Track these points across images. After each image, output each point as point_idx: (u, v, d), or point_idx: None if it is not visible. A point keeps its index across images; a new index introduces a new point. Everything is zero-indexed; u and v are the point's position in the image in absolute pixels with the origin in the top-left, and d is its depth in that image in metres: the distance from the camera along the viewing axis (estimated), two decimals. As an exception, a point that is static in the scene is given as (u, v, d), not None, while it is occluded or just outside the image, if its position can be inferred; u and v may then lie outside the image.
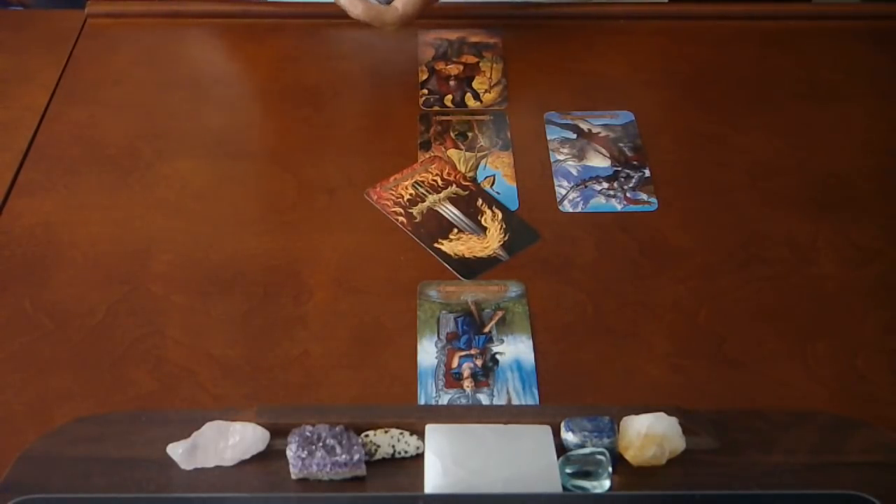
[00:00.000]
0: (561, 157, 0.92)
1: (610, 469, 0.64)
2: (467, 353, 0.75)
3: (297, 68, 1.02)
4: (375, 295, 0.79)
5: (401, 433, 0.66)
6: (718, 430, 0.67)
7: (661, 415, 0.65)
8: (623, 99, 0.98)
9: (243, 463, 0.66)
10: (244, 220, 0.86)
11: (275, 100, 0.99)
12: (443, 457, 0.64)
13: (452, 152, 0.92)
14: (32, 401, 0.72)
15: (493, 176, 0.90)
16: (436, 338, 0.76)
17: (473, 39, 1.05)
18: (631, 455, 0.65)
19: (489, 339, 0.76)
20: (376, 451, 0.66)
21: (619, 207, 0.87)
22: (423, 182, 0.89)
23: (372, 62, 1.02)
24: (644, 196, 0.87)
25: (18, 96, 0.98)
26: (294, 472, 0.64)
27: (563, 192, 0.88)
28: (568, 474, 0.64)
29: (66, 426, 0.68)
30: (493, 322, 0.77)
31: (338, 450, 0.64)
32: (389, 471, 0.66)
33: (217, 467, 0.65)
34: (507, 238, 0.84)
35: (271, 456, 0.66)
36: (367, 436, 0.66)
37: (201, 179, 0.89)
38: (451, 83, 1.00)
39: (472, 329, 0.77)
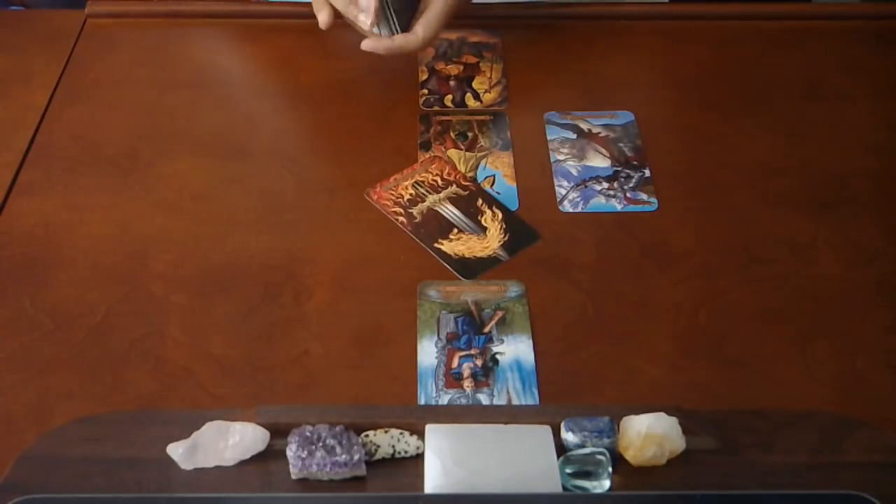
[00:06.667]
0: (561, 157, 0.92)
1: (610, 469, 0.64)
2: (467, 353, 0.75)
3: (297, 68, 1.02)
4: (375, 295, 0.79)
5: (401, 433, 0.66)
6: (718, 430, 0.67)
7: (661, 415, 0.65)
8: (623, 99, 0.98)
9: (243, 463, 0.66)
10: (244, 220, 0.85)
11: (274, 100, 0.99)
12: (443, 457, 0.64)
13: (452, 152, 0.92)
14: (32, 401, 0.72)
15: (493, 176, 0.90)
16: (436, 338, 0.76)
17: (473, 39, 1.05)
18: (631, 455, 0.65)
19: (489, 339, 0.76)
20: (376, 451, 0.66)
21: (619, 207, 0.87)
22: (423, 182, 0.89)
23: (372, 62, 1.02)
24: (644, 196, 0.87)
25: (18, 96, 0.98)
26: (294, 472, 0.64)
27: (563, 192, 0.88)
28: (568, 474, 0.64)
29: (66, 426, 0.68)
30: (493, 322, 0.77)
31: (338, 450, 0.64)
32: (389, 471, 0.66)
33: (217, 467, 0.65)
34: (507, 238, 0.84)
35: (271, 456, 0.66)
36: (367, 436, 0.66)
37: (201, 179, 0.89)
38: (451, 83, 1.00)
39: (472, 329, 0.77)
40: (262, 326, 0.77)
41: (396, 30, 0.91)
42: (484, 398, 0.72)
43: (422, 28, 0.91)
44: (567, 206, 0.87)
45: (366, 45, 0.90)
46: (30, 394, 0.72)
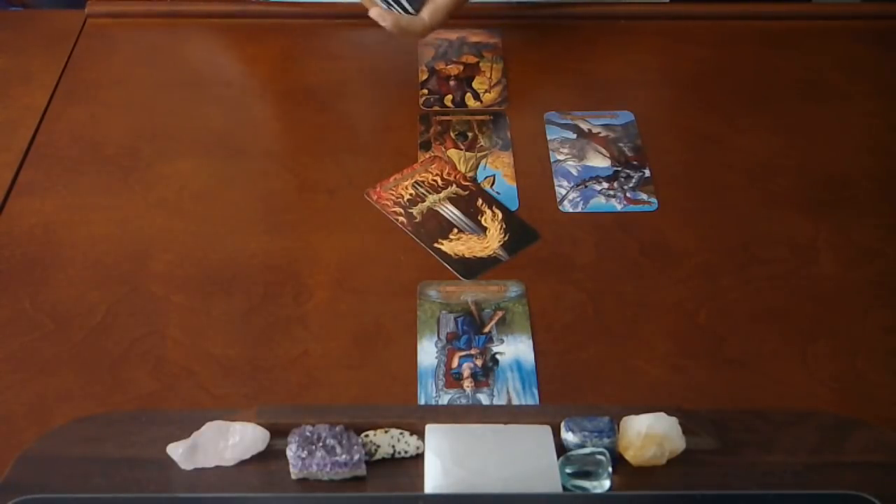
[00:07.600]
0: (561, 157, 0.92)
1: (610, 469, 0.64)
2: (467, 353, 0.75)
3: (297, 68, 1.02)
4: (375, 295, 0.79)
5: (401, 433, 0.66)
6: (718, 430, 0.67)
7: (661, 415, 0.65)
8: (623, 99, 0.98)
9: (243, 463, 0.66)
10: (244, 220, 0.86)
11: (275, 100, 0.99)
12: (443, 457, 0.64)
13: (452, 152, 0.92)
14: (32, 401, 0.72)
15: (493, 176, 0.90)
16: (436, 338, 0.76)
17: (473, 39, 1.05)
18: (631, 455, 0.65)
19: (489, 339, 0.76)
20: (376, 451, 0.66)
21: (619, 207, 0.87)
22: (423, 182, 0.89)
23: (372, 62, 1.02)
24: (644, 196, 0.87)
25: (18, 96, 0.98)
26: (294, 472, 0.64)
27: (563, 192, 0.88)
28: (568, 474, 0.64)
29: (65, 426, 0.68)
30: (493, 322, 0.77)
31: (338, 450, 0.64)
32: (389, 471, 0.66)
33: (217, 467, 0.65)
34: (507, 238, 0.84)
35: (271, 456, 0.66)
36: (367, 436, 0.66)
37: (201, 179, 0.89)
38: (451, 83, 1.00)
39: (472, 329, 0.77)
40: (262, 326, 0.77)
41: (401, 9, 0.92)
42: (484, 398, 0.72)
43: (428, 14, 0.93)
44: (567, 206, 0.87)
45: (373, 13, 0.93)
46: (30, 394, 0.72)
